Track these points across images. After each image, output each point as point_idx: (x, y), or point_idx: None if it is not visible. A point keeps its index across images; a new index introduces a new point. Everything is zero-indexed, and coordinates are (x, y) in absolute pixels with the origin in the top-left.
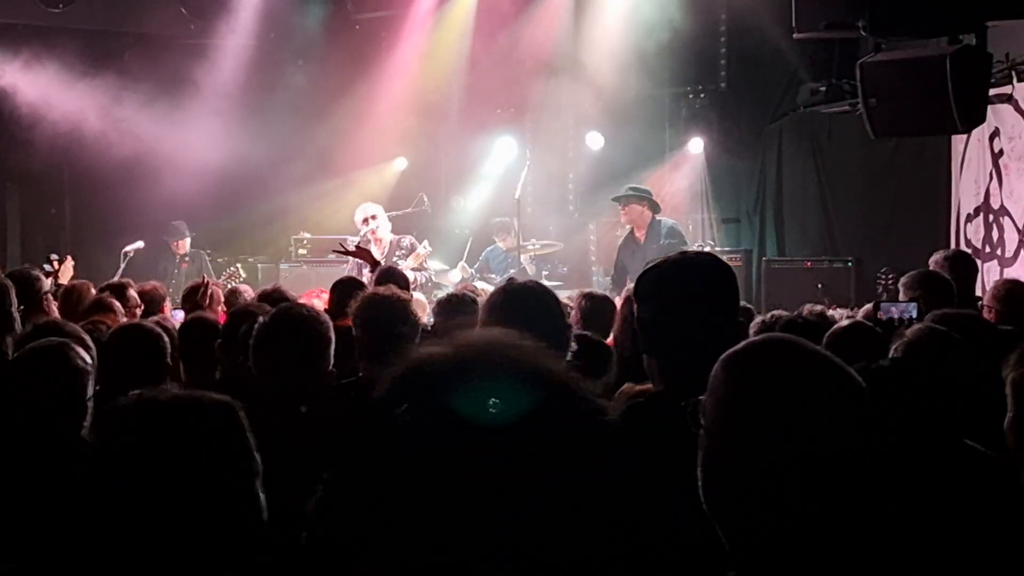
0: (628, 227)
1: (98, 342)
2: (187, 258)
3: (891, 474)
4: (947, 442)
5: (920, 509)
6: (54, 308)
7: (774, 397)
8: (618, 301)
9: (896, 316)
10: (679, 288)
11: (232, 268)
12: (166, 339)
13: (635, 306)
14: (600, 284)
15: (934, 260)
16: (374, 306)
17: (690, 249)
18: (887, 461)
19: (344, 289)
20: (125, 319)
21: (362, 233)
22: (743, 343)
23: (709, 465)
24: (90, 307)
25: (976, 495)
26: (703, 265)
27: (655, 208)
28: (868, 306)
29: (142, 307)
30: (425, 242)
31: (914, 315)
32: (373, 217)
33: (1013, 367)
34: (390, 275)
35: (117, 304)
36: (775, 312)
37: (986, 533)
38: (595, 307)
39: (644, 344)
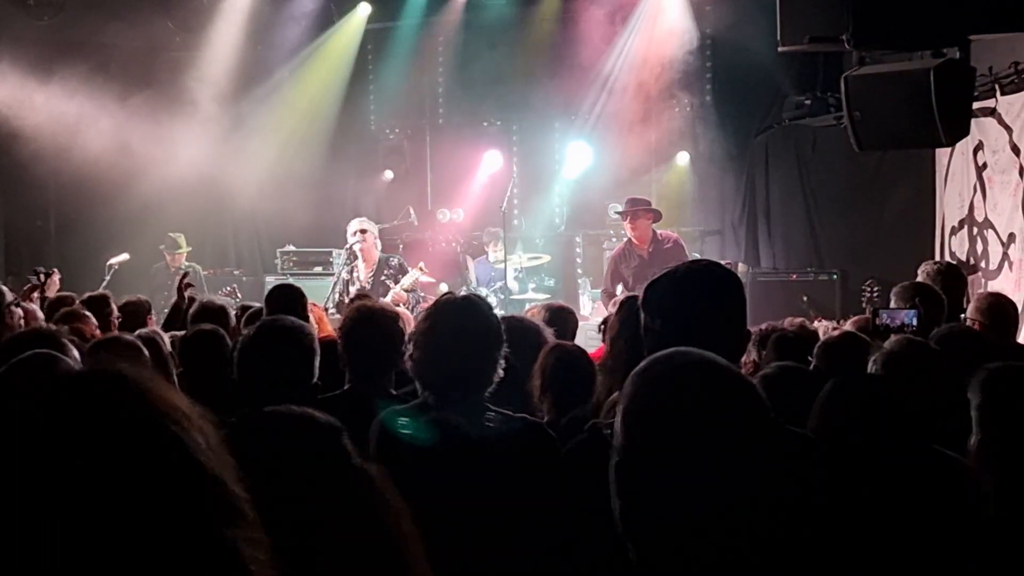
0: (624, 238)
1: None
2: (181, 272)
3: (853, 485)
4: (920, 449)
5: (893, 515)
6: (18, 322)
7: (670, 415)
8: (596, 314)
9: (896, 324)
10: (690, 298)
11: (230, 287)
12: (146, 352)
13: (643, 316)
14: (592, 296)
15: (924, 272)
16: (363, 320)
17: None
18: (852, 470)
19: (279, 298)
20: (98, 331)
21: (349, 244)
22: (648, 359)
23: (617, 482)
24: (62, 317)
25: (947, 501)
26: (713, 275)
27: (658, 220)
28: (858, 317)
29: (120, 319)
30: (421, 264)
31: (915, 323)
32: (363, 231)
33: (979, 392)
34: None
35: (90, 315)
36: (771, 324)
37: (954, 537)
38: (554, 317)
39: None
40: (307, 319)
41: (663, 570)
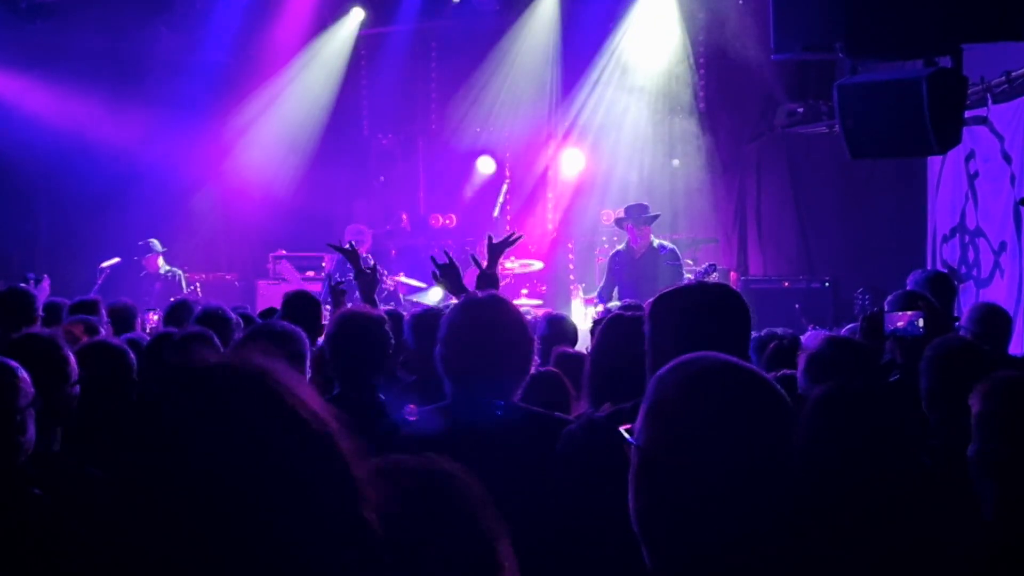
0: (624, 243)
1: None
2: (162, 276)
3: (855, 491)
4: (907, 459)
5: (887, 525)
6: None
7: (699, 415)
8: (589, 319)
9: (906, 327)
10: (698, 316)
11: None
12: (132, 355)
13: (648, 329)
14: (584, 302)
15: (913, 280)
16: (348, 326)
17: (706, 278)
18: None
19: (297, 304)
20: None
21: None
22: (672, 362)
23: (637, 482)
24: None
25: (936, 514)
26: (722, 295)
27: (654, 220)
28: (852, 325)
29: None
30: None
31: (920, 326)
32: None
33: (982, 401)
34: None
35: (95, 321)
36: (771, 331)
37: (941, 548)
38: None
39: (655, 367)
40: (319, 328)
41: (679, 572)
